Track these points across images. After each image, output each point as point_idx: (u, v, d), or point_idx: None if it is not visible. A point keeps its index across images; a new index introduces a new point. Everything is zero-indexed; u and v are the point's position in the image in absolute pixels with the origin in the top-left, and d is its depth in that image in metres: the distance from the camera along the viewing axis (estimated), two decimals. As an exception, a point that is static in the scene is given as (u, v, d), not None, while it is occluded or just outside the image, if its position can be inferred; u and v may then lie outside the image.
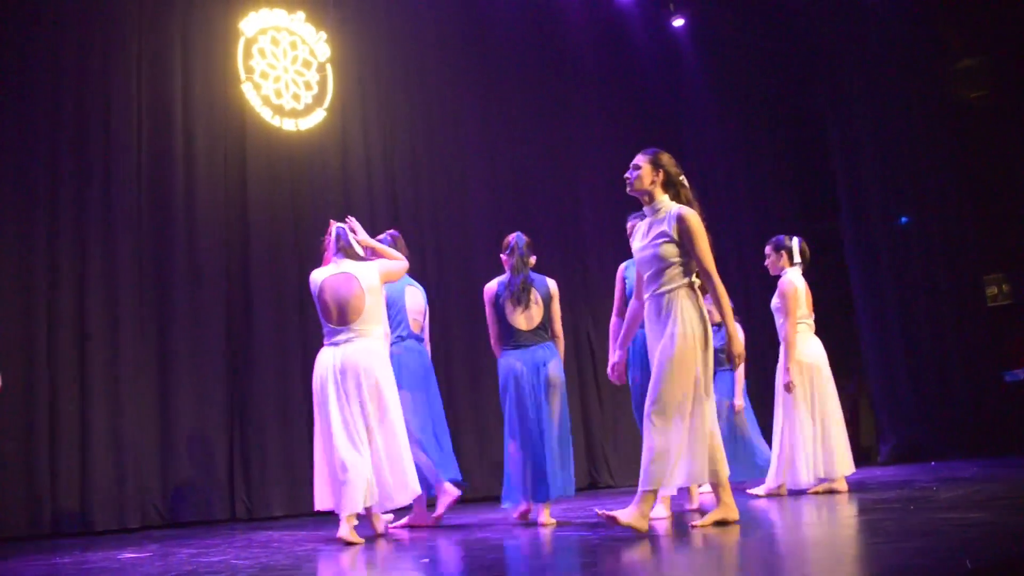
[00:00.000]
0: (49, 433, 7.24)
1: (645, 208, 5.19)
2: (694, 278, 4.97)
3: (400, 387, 5.93)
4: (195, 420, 8.21)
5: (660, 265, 4.95)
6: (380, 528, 5.69)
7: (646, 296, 5.03)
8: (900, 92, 12.80)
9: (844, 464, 7.11)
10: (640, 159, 5.22)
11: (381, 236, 6.72)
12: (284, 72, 9.51)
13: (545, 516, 5.76)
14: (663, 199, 5.11)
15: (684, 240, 4.93)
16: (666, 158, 5.17)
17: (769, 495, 7.19)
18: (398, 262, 6.10)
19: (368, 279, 5.75)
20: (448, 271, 10.09)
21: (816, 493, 7.01)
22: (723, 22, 13.45)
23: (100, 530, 7.23)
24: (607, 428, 11.17)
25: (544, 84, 11.95)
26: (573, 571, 3.73)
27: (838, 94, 13.29)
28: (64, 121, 7.89)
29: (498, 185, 10.93)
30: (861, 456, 15.19)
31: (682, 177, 5.14)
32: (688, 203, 5.09)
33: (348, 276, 5.75)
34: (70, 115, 7.94)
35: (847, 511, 5.36)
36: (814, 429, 7.11)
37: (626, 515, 4.70)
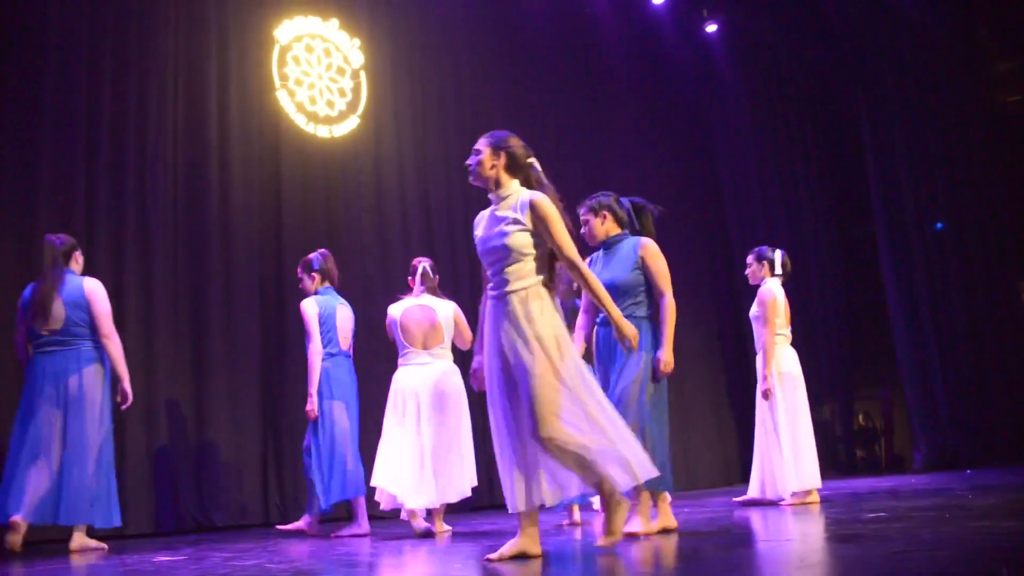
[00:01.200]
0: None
1: (491, 196, 4.54)
2: (549, 271, 4.40)
3: (333, 398, 6.61)
4: (229, 424, 8.27)
5: (510, 259, 4.33)
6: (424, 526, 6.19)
7: (491, 295, 4.42)
8: (935, 96, 12.72)
9: (814, 477, 7.26)
10: (480, 143, 4.60)
11: (313, 255, 6.99)
12: (318, 79, 9.58)
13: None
14: (511, 185, 4.49)
15: (539, 228, 4.31)
16: (510, 140, 4.56)
17: (750, 504, 7.24)
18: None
19: (444, 313, 6.62)
20: (480, 279, 10.09)
21: (792, 506, 7.03)
22: (756, 27, 13.43)
23: (132, 533, 7.28)
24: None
25: (577, 91, 11.99)
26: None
27: (873, 98, 13.22)
28: (100, 128, 7.97)
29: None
30: (895, 464, 15.10)
31: (532, 160, 4.54)
32: (540, 187, 4.48)
33: (430, 308, 6.64)
34: (107, 122, 8.02)
35: (880, 519, 5.32)
36: (783, 441, 7.22)
37: (510, 547, 4.19)
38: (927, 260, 12.64)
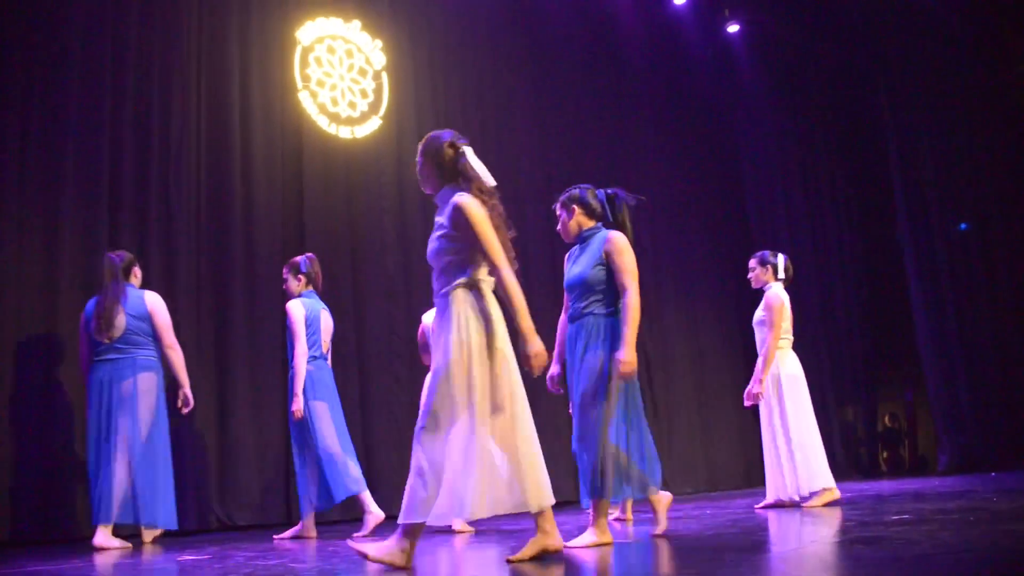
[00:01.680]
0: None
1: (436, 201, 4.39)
2: (481, 275, 4.23)
3: (317, 399, 6.67)
4: (252, 425, 8.30)
5: (441, 262, 4.23)
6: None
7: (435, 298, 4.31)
8: (960, 97, 12.66)
9: (826, 476, 7.26)
10: (419, 149, 4.47)
11: (300, 258, 7.06)
12: (340, 80, 9.61)
13: None
14: (444, 188, 4.34)
15: (460, 231, 4.16)
16: (435, 141, 4.39)
17: (771, 507, 7.24)
18: None
19: None
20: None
21: (812, 507, 7.05)
22: (778, 27, 13.39)
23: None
24: (660, 436, 11.14)
25: (598, 91, 11.99)
26: None
27: (896, 99, 13.16)
28: (124, 129, 8.01)
29: (553, 192, 10.93)
30: (919, 466, 15.02)
31: (462, 151, 4.32)
32: (466, 182, 4.29)
33: None
34: (130, 123, 8.06)
35: (905, 521, 5.30)
36: (793, 443, 7.24)
37: (379, 550, 4.07)
38: (951, 261, 12.57)
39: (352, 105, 9.65)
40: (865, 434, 13.78)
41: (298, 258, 7.08)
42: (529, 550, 4.15)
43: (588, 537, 4.77)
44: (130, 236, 7.87)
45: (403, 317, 9.34)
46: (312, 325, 6.81)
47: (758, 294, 7.65)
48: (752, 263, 7.70)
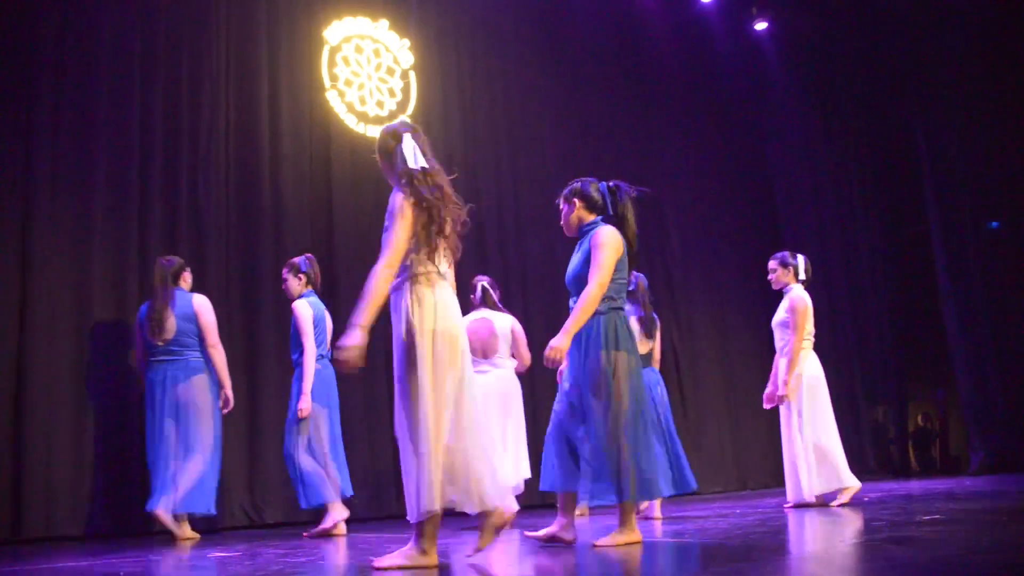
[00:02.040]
0: (139, 434, 7.40)
1: None
2: (428, 268, 4.15)
3: (319, 402, 6.77)
4: (281, 422, 8.31)
5: None
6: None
7: None
8: (990, 95, 12.55)
9: (845, 476, 7.28)
10: None
11: (299, 258, 7.13)
12: (368, 79, 9.63)
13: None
14: (394, 182, 4.31)
15: (389, 224, 4.13)
16: (383, 135, 4.35)
17: (799, 507, 7.20)
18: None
19: (502, 325, 7.18)
20: (531, 279, 10.12)
21: (843, 505, 7.09)
22: (807, 26, 13.32)
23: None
24: (689, 435, 11.13)
25: (626, 91, 11.97)
26: None
27: (927, 96, 13.07)
28: (153, 130, 8.05)
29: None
30: (951, 466, 14.91)
31: (398, 149, 4.25)
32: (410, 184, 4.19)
33: (489, 321, 7.20)
34: (159, 124, 8.11)
35: (936, 522, 5.26)
36: (810, 444, 7.24)
37: (393, 557, 4.05)
38: (982, 259, 12.47)
39: (380, 104, 9.67)
40: (896, 433, 13.69)
41: (297, 258, 7.15)
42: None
43: (618, 536, 4.76)
44: (159, 235, 7.92)
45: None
46: (319, 325, 6.91)
47: (781, 295, 7.61)
48: (772, 264, 7.66)
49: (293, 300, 6.99)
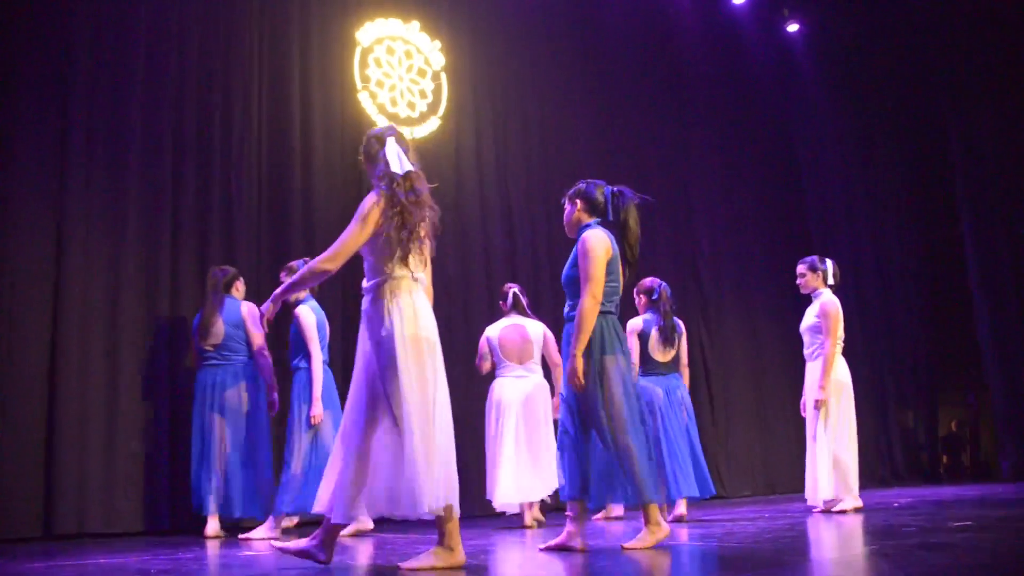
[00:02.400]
0: (170, 434, 7.45)
1: None
2: (403, 272, 4.20)
3: (326, 407, 6.83)
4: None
5: (365, 262, 4.32)
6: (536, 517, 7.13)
7: None
8: (1023, 96, 12.44)
9: (855, 490, 7.25)
10: None
11: (297, 262, 7.07)
12: (399, 81, 9.66)
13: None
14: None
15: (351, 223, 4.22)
16: (367, 139, 4.45)
17: (827, 511, 7.16)
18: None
19: (535, 331, 7.30)
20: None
21: (843, 512, 7.04)
22: (839, 27, 13.25)
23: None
24: (720, 439, 11.11)
25: (657, 91, 11.95)
26: None
27: (959, 98, 12.98)
28: (187, 129, 8.11)
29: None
30: (982, 472, 14.79)
31: (382, 153, 4.34)
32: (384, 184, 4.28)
33: (522, 327, 7.30)
34: (192, 125, 8.16)
35: (967, 528, 5.22)
36: (828, 449, 7.20)
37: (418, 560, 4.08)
38: (1015, 263, 12.36)
39: (411, 106, 9.71)
40: (926, 439, 13.59)
41: (295, 262, 7.12)
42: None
43: (645, 538, 4.75)
44: (192, 237, 7.97)
45: (460, 317, 9.37)
46: (320, 330, 6.97)
47: (810, 299, 7.55)
48: (801, 268, 7.60)
49: (294, 305, 6.99)
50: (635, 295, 7.52)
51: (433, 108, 9.85)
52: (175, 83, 8.10)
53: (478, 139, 10.05)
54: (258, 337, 7.04)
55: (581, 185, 5.18)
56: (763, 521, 6.46)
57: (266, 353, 7.05)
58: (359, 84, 9.35)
